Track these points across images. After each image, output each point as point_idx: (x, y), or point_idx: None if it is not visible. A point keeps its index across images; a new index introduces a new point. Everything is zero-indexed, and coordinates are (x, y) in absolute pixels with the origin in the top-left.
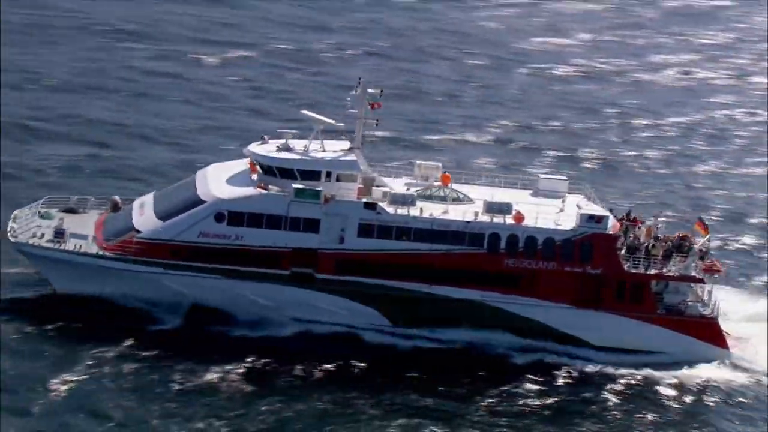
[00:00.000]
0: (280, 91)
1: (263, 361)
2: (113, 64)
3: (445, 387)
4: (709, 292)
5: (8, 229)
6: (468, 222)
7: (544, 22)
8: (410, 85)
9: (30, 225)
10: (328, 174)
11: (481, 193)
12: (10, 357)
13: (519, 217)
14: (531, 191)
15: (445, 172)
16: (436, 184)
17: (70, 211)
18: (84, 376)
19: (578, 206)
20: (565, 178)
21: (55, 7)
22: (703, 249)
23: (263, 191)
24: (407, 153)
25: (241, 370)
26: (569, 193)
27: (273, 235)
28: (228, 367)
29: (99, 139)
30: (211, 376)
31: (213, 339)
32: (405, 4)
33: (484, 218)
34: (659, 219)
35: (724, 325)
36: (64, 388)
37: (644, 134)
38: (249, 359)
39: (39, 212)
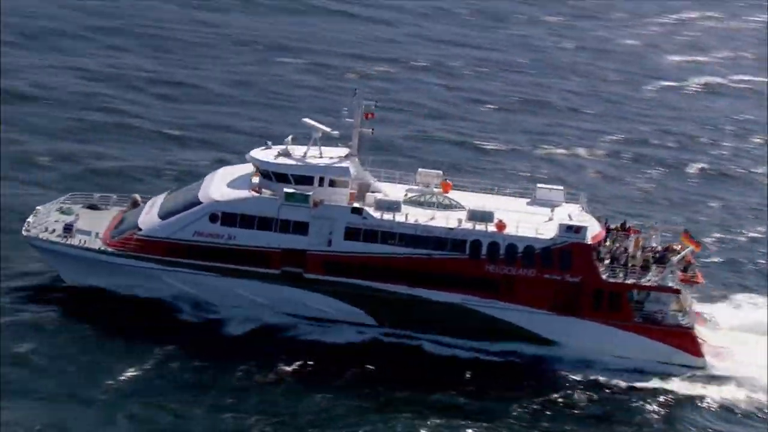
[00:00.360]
0: (411, 103)
1: (321, 363)
2: (264, 77)
3: (491, 394)
4: (691, 302)
5: (25, 223)
6: (451, 228)
7: (687, 39)
8: (537, 99)
9: (47, 220)
10: (321, 179)
11: (477, 201)
12: (85, 348)
13: (501, 225)
14: (528, 200)
15: (446, 179)
16: (436, 190)
17: (93, 207)
18: (149, 371)
19: (569, 216)
20: (561, 188)
21: (217, 24)
22: (690, 260)
23: (255, 194)
24: (516, 164)
25: (299, 371)
26: (566, 202)
27: (264, 236)
28: (287, 368)
29: (229, 146)
30: (270, 375)
31: (277, 343)
32: (556, 24)
33: (467, 225)
34: (652, 230)
35: (713, 335)
36: (128, 380)
37: (759, 151)
38: (309, 361)
39: (60, 208)
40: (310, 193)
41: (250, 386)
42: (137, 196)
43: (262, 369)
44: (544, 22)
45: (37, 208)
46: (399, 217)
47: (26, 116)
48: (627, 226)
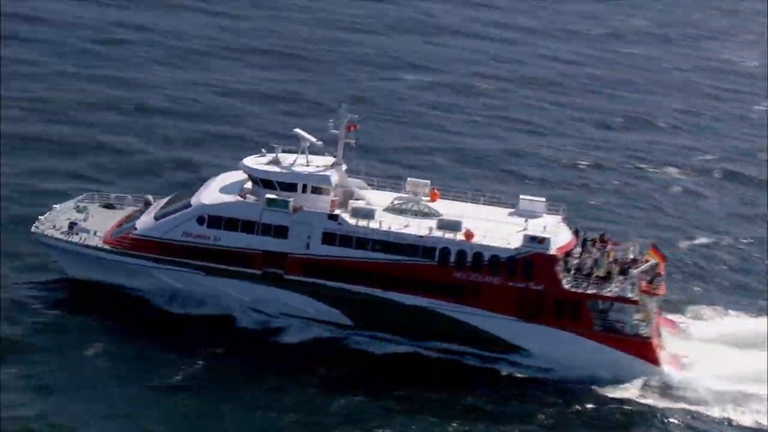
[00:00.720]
0: (517, 120)
1: (361, 370)
2: (381, 93)
3: (515, 404)
4: (653, 312)
5: (36, 220)
6: (421, 236)
7: None
8: (642, 117)
9: (59, 217)
10: (304, 186)
11: (459, 210)
12: (144, 349)
13: (468, 234)
14: (511, 210)
15: (434, 188)
16: (424, 199)
17: (108, 206)
18: (199, 371)
19: (544, 227)
20: (543, 199)
21: (354, 43)
22: (660, 273)
23: (240, 199)
24: (603, 179)
25: (339, 376)
26: (547, 213)
27: (247, 238)
28: (328, 373)
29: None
30: (311, 379)
31: (325, 351)
32: (682, 45)
33: (437, 234)
34: (630, 243)
35: (683, 345)
36: (177, 380)
37: None
38: (350, 368)
39: (77, 206)
40: (291, 199)
41: (290, 388)
42: (150, 197)
43: (304, 373)
44: (671, 42)
45: (54, 206)
46: (373, 224)
47: (156, 128)
48: (605, 237)
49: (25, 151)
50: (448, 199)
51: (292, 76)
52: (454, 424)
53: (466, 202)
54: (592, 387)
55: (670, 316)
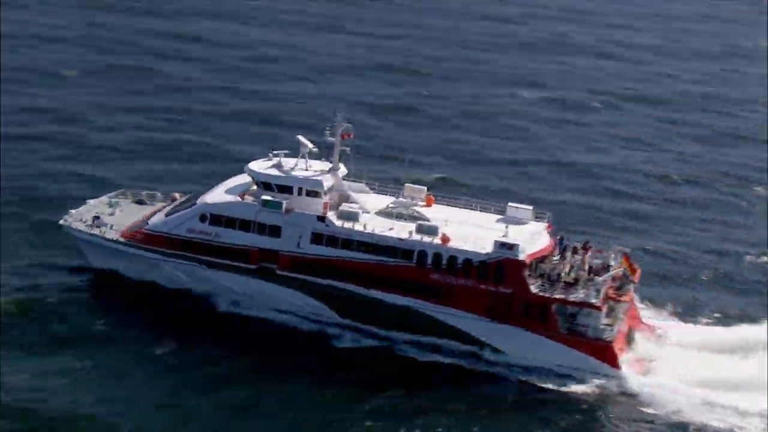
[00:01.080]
0: (620, 135)
1: (401, 374)
2: (494, 108)
3: (535, 409)
4: (620, 318)
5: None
6: (401, 239)
7: None
8: (743, 134)
9: (90, 211)
10: (300, 189)
11: (449, 215)
12: (206, 353)
13: (445, 239)
14: (499, 217)
15: (429, 194)
16: (420, 203)
17: (140, 202)
18: (241, 370)
19: (529, 234)
20: (530, 207)
21: (482, 61)
22: (635, 281)
23: (239, 199)
24: (683, 194)
25: (380, 378)
26: (534, 220)
27: (244, 236)
28: (372, 377)
29: (435, 167)
30: (354, 379)
31: (372, 356)
32: None
33: (416, 237)
34: (612, 251)
35: (657, 349)
36: (239, 373)
37: None
38: (390, 373)
39: (109, 201)
40: (284, 201)
41: (331, 386)
42: (176, 194)
43: (347, 374)
44: None
45: (88, 201)
46: (357, 226)
47: (278, 139)
48: (587, 245)
49: (145, 158)
50: (443, 204)
51: (411, 89)
52: (477, 427)
53: (460, 208)
54: (622, 399)
55: (663, 322)
